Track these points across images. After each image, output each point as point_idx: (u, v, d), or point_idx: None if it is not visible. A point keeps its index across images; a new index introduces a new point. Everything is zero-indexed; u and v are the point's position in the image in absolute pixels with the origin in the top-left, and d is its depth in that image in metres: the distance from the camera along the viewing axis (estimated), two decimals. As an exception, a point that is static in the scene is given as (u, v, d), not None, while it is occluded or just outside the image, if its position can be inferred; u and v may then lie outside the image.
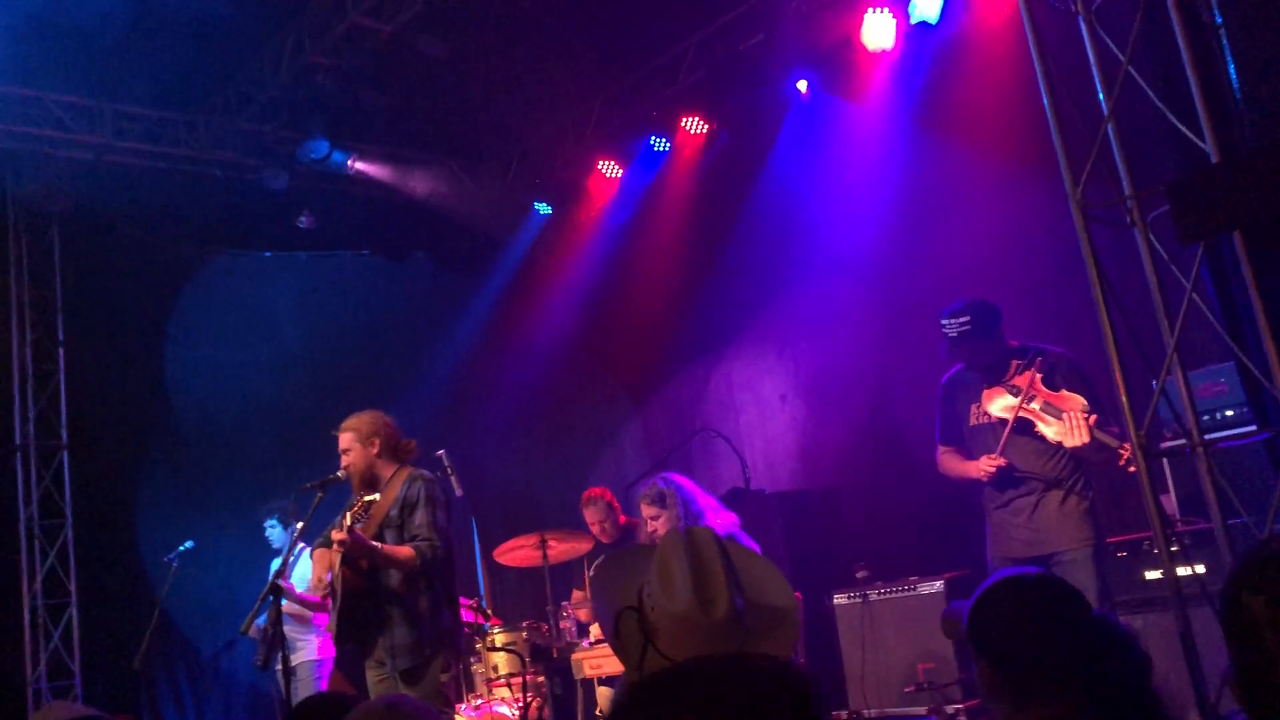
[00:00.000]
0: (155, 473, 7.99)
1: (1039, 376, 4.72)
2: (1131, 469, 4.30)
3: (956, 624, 2.27)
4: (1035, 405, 4.68)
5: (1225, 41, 2.87)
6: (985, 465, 4.78)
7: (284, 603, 5.59)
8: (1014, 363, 4.85)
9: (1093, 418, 4.49)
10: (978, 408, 4.95)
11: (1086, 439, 4.45)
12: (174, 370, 8.23)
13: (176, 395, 8.21)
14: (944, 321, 4.83)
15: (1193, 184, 2.79)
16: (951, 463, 5.08)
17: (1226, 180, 2.72)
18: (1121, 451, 4.38)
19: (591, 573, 6.46)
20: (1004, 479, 4.82)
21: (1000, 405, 4.79)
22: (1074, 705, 2.04)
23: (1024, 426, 4.74)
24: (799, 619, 2.23)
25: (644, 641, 2.06)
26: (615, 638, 2.10)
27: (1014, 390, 4.77)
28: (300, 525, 5.63)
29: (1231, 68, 2.86)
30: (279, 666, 5.66)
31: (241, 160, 8.14)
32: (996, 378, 4.87)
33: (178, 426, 8.23)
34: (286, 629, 5.58)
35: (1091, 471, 4.80)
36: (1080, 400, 4.58)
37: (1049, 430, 4.63)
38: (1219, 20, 2.88)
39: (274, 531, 7.07)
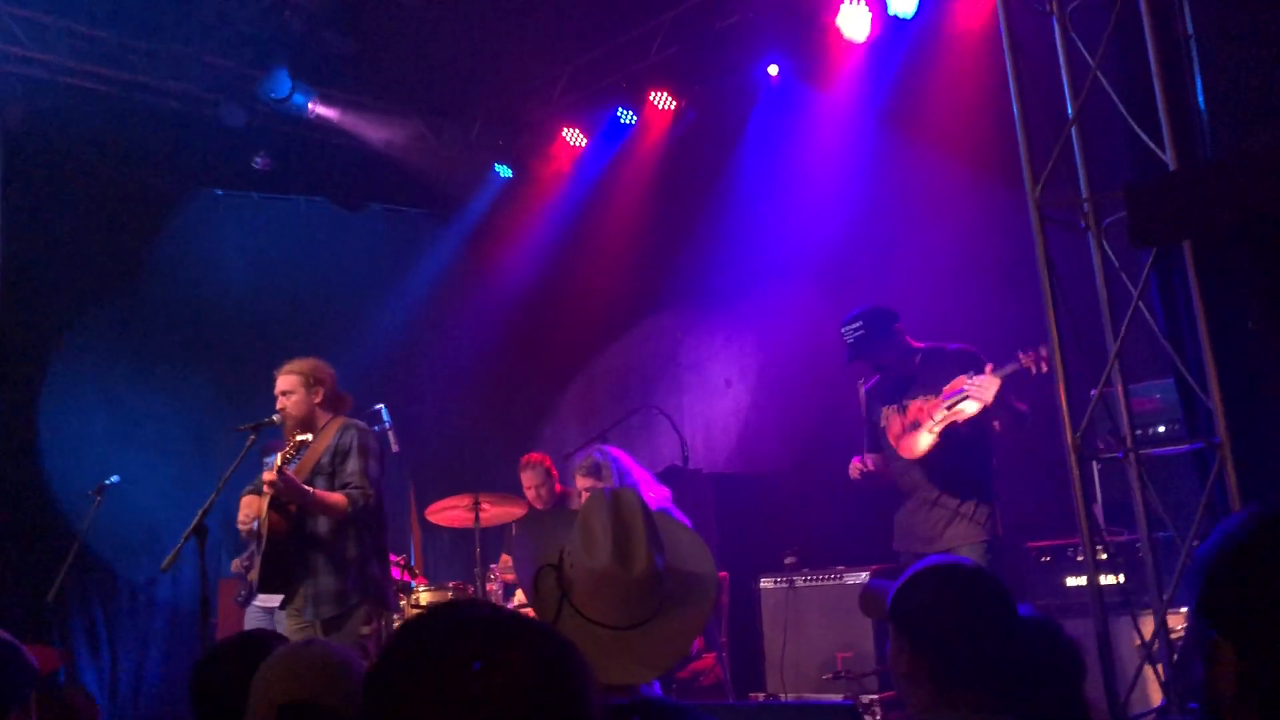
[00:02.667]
0: (83, 405, 7.80)
1: (927, 400, 4.95)
2: (1043, 369, 4.30)
3: (877, 601, 2.28)
4: (943, 413, 4.86)
5: (1195, 53, 2.89)
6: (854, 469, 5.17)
7: None
8: (916, 400, 5.00)
9: (987, 366, 4.71)
10: (898, 416, 5.12)
11: (996, 383, 4.63)
12: (111, 302, 8.03)
13: (111, 328, 8.02)
14: (841, 330, 5.11)
15: (1151, 188, 2.82)
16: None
17: (1185, 188, 2.74)
18: (1025, 362, 4.48)
19: (518, 528, 6.44)
20: (907, 477, 5.07)
21: (925, 443, 4.95)
22: (992, 695, 2.06)
23: (949, 431, 4.91)
24: (717, 587, 2.22)
25: (560, 597, 2.04)
26: (534, 594, 2.09)
27: (916, 425, 5.00)
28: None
29: (1199, 80, 2.89)
30: (257, 601, 5.57)
31: (200, 94, 7.94)
32: (903, 388, 5.08)
33: (110, 360, 8.03)
34: None
35: (1005, 478, 4.99)
36: (960, 376, 4.81)
37: (969, 409, 4.78)
38: (1191, 31, 2.90)
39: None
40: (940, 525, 4.98)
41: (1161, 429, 4.88)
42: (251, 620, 6.62)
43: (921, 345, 5.16)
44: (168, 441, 7.75)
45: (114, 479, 6.89)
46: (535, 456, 6.60)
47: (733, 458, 8.10)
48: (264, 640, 2.92)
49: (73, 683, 7.14)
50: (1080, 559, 5.19)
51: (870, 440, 5.38)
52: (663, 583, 2.05)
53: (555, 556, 2.10)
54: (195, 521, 5.16)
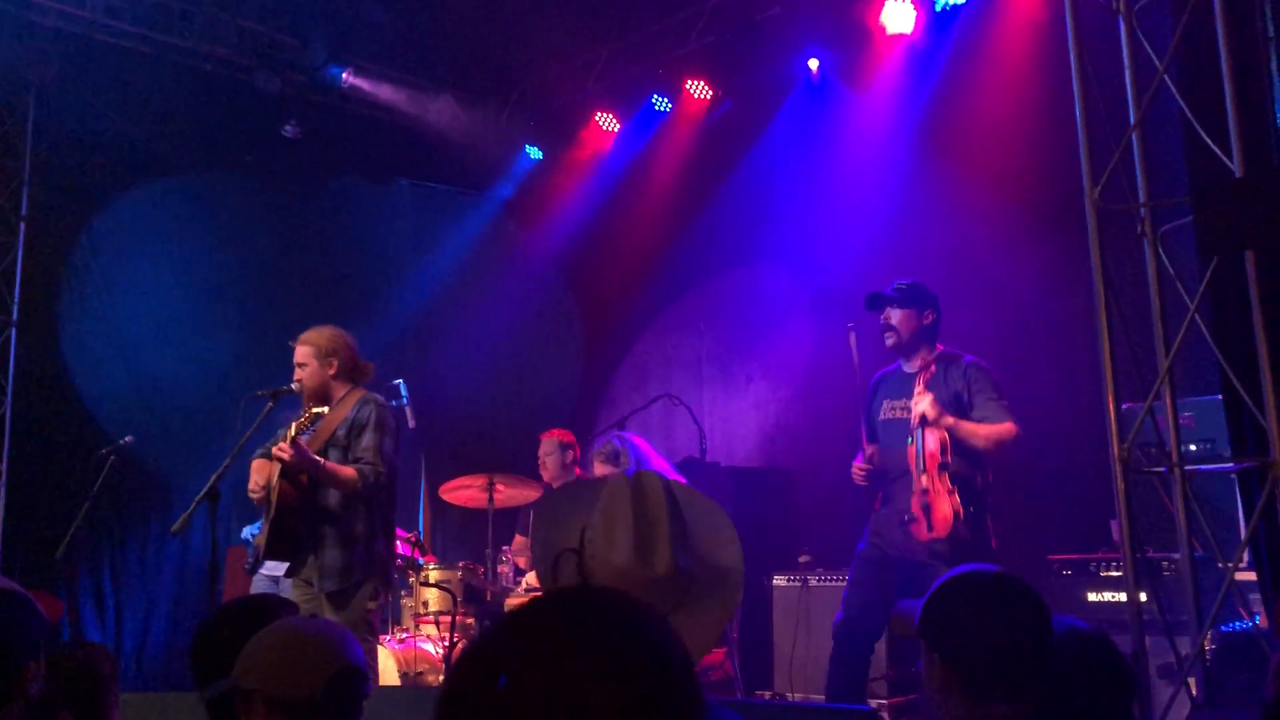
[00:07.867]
0: (103, 365, 7.77)
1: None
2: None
3: (905, 621, 2.21)
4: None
5: (1275, 56, 2.79)
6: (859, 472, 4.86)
7: None
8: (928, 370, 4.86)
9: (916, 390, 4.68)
10: (890, 403, 5.00)
11: (925, 399, 4.63)
12: (137, 263, 7.99)
13: (137, 289, 7.98)
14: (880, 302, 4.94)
15: (1221, 195, 2.72)
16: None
17: (1257, 196, 2.65)
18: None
19: (537, 505, 6.38)
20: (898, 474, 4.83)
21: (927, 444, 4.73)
22: (1030, 705, 1.99)
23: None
24: (742, 579, 2.15)
25: None
26: (552, 578, 2.03)
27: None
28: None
29: (1277, 85, 2.78)
30: (263, 570, 5.54)
31: (234, 59, 7.89)
32: (909, 386, 4.87)
33: (133, 321, 8.00)
34: None
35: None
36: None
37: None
38: (1272, 34, 2.79)
39: None
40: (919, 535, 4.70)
41: (1194, 447, 4.78)
42: (257, 588, 6.58)
43: (942, 349, 4.97)
44: (185, 404, 7.71)
45: (128, 439, 6.86)
46: (562, 436, 6.59)
47: (751, 453, 8.03)
48: (269, 605, 2.85)
49: (79, 638, 7.12)
50: (1103, 574, 5.11)
51: (870, 430, 5.08)
52: (684, 579, 1.98)
53: (576, 539, 2.03)
54: (208, 486, 5.10)
